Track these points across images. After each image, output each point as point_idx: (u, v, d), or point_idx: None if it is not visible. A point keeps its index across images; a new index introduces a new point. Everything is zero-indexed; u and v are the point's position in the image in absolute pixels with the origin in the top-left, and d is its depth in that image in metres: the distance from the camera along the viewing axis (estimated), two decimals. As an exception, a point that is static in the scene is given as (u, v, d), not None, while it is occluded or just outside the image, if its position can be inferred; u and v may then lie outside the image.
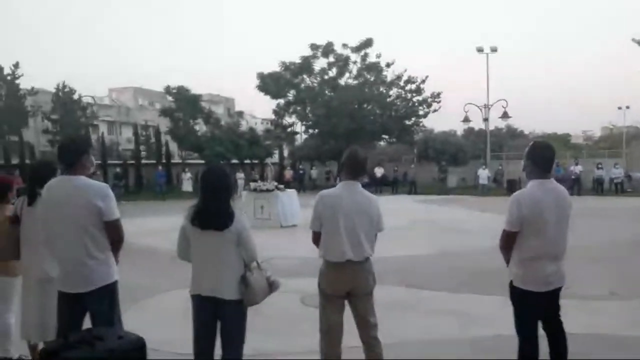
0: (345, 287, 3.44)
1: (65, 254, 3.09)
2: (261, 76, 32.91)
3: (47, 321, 3.46)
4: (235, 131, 31.70)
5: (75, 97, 35.32)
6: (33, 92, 34.24)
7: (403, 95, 32.66)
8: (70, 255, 3.07)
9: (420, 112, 32.69)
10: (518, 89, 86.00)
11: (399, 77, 32.25)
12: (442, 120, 79.36)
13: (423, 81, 32.06)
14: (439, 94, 32.17)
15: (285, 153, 36.57)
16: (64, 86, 35.12)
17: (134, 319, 4.31)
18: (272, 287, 3.15)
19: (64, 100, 34.66)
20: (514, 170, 27.73)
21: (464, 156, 32.25)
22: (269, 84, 32.65)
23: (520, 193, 3.35)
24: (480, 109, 29.62)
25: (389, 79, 32.52)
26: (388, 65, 32.20)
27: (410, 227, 12.98)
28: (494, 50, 30.58)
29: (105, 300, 3.11)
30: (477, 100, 51.94)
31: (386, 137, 34.71)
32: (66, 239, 3.06)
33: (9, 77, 32.98)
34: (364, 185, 3.62)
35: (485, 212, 17.02)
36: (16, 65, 33.04)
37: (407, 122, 32.72)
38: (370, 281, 3.50)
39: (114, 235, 3.14)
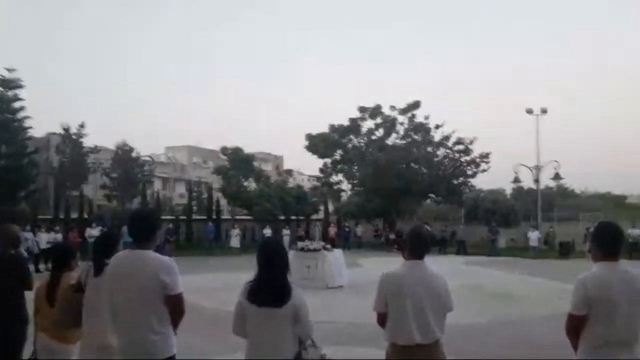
0: None
1: (128, 326, 3.17)
2: (310, 137, 33.83)
3: None
4: (284, 188, 32.33)
5: (134, 154, 37.17)
6: (95, 150, 36.32)
7: (451, 155, 32.61)
8: (133, 328, 3.15)
9: (469, 172, 32.41)
10: (570, 147, 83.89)
11: (447, 138, 32.36)
12: (490, 179, 78.23)
13: (471, 142, 32.02)
14: (487, 154, 31.95)
15: (331, 210, 36.74)
16: (124, 144, 37.09)
17: None
18: (326, 365, 3.14)
19: (123, 158, 36.50)
20: (566, 232, 26.79)
21: (514, 217, 31.46)
22: (317, 144, 33.50)
23: (585, 274, 3.15)
24: (531, 170, 29.08)
25: (436, 139, 32.66)
26: (437, 127, 32.52)
27: (458, 292, 12.58)
28: (544, 111, 30.30)
29: (163, 374, 3.17)
30: (526, 157, 51.07)
31: (433, 196, 34.44)
32: (130, 311, 3.15)
33: (74, 136, 35.23)
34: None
35: (536, 276, 16.39)
36: (82, 125, 35.34)
37: (455, 182, 32.42)
38: None
39: (176, 309, 3.21)
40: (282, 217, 31.01)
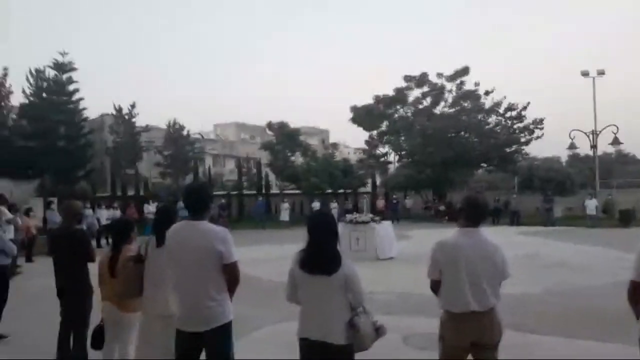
0: (469, 338, 3.27)
1: (187, 294, 3.30)
2: (354, 109, 33.49)
3: (167, 356, 3.63)
4: (330, 162, 32.33)
5: (184, 133, 38.08)
6: (147, 129, 37.43)
7: (503, 123, 31.52)
8: (192, 296, 3.27)
9: (522, 139, 31.25)
10: (629, 111, 79.46)
11: (498, 104, 31.25)
12: (545, 146, 75.33)
13: (524, 107, 30.80)
14: (541, 120, 30.64)
15: (378, 182, 36.51)
16: (175, 123, 38.03)
17: (243, 353, 4.42)
18: (378, 332, 3.15)
19: (175, 136, 37.48)
20: (626, 200, 25.59)
21: (570, 185, 30.26)
22: (362, 116, 33.14)
23: None
24: (588, 136, 27.81)
25: (487, 106, 31.61)
26: (487, 93, 31.39)
27: (513, 262, 12.31)
28: (601, 73, 28.72)
29: (221, 339, 3.28)
30: (583, 124, 48.81)
31: (485, 165, 33.55)
32: (189, 280, 3.28)
33: (126, 117, 36.40)
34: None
35: (595, 245, 15.82)
36: (133, 106, 36.43)
37: (508, 150, 31.38)
38: (496, 332, 3.31)
39: (231, 277, 3.32)
40: (330, 191, 31.11)
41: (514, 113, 31.05)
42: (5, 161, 25.86)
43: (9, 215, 11.61)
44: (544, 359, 5.36)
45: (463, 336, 3.28)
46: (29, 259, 13.69)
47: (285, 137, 32.66)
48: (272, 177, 35.19)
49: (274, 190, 35.02)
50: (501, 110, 31.32)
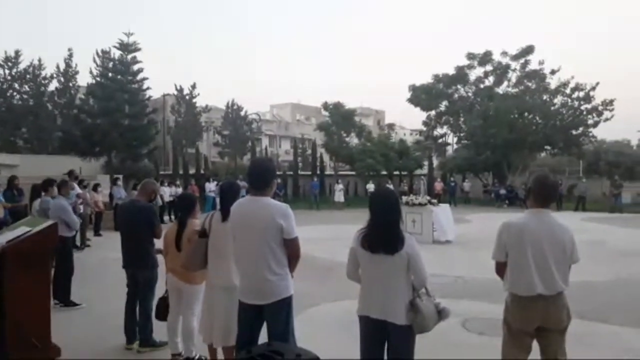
0: (535, 322, 3.17)
1: (249, 267, 3.36)
2: (413, 88, 32.83)
3: (230, 327, 3.74)
4: (386, 143, 31.98)
5: (242, 113, 38.73)
6: (207, 109, 38.32)
7: (570, 104, 29.96)
8: (254, 269, 3.33)
9: (590, 122, 29.67)
10: None
11: (564, 85, 29.73)
12: (614, 130, 71.18)
13: (593, 88, 29.13)
14: (611, 102, 28.91)
15: (435, 164, 35.80)
16: (233, 104, 38.74)
17: (301, 329, 4.49)
18: (441, 314, 3.10)
19: (233, 117, 38.20)
20: None
21: (641, 170, 28.56)
22: (421, 96, 32.43)
23: None
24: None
25: (553, 86, 30.18)
26: (553, 72, 29.97)
27: (579, 249, 11.79)
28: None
29: (282, 312, 3.33)
30: (658, 105, 45.61)
31: (549, 148, 32.14)
32: (251, 253, 3.33)
33: (187, 97, 37.36)
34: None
35: (668, 233, 14.90)
36: (194, 86, 37.37)
37: (574, 132, 29.91)
38: (564, 317, 3.18)
39: (292, 252, 3.36)
40: (385, 173, 30.83)
41: (581, 94, 29.47)
42: (74, 139, 27.25)
43: (79, 190, 12.27)
44: (610, 348, 5.11)
45: (529, 320, 3.18)
46: (97, 233, 14.42)
47: (340, 118, 32.52)
48: (326, 158, 35.30)
49: (329, 171, 35.12)
50: (568, 91, 29.81)
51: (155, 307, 4.80)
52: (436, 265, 9.15)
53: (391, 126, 38.99)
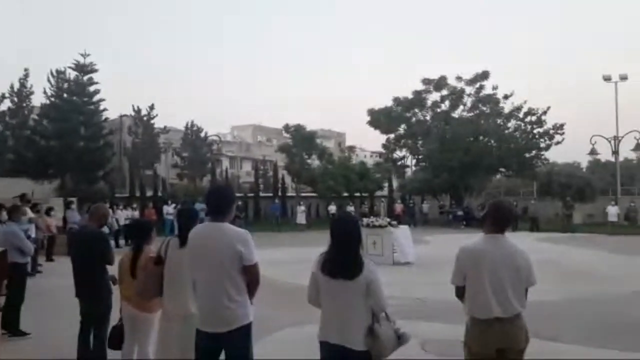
0: (494, 345, 3.23)
1: (207, 294, 3.29)
2: (372, 112, 33.42)
3: (187, 356, 3.63)
4: (347, 165, 32.29)
5: (202, 134, 38.37)
6: (165, 130, 37.77)
7: (522, 127, 31.16)
8: (212, 297, 3.25)
9: (542, 145, 30.87)
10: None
11: (518, 109, 30.92)
12: (565, 153, 74.12)
13: (545, 112, 30.39)
14: (562, 126, 30.27)
15: (395, 186, 36.35)
16: (193, 125, 38.36)
17: (263, 354, 4.38)
18: (401, 339, 3.10)
19: (192, 138, 37.79)
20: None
21: (591, 191, 29.77)
22: (380, 119, 33.04)
23: None
24: (609, 141, 27.40)
25: (506, 110, 31.32)
26: (506, 97, 31.16)
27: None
28: (623, 78, 28.27)
29: (241, 340, 3.27)
30: (604, 129, 48.00)
31: (504, 170, 33.19)
32: (209, 281, 3.26)
33: (145, 118, 36.77)
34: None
35: (616, 253, 15.55)
36: (152, 107, 36.81)
37: (527, 155, 31.02)
38: (522, 338, 3.26)
39: (252, 278, 3.31)
40: (346, 194, 31.06)
41: (533, 118, 30.70)
42: (26, 160, 26.27)
43: (31, 215, 11.81)
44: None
45: (488, 342, 3.23)
46: (49, 258, 13.88)
47: (301, 140, 32.73)
48: (288, 179, 35.30)
49: (290, 192, 35.09)
50: (521, 115, 31.00)
51: (109, 336, 4.63)
52: (396, 287, 9.20)
53: (352, 148, 39.41)
